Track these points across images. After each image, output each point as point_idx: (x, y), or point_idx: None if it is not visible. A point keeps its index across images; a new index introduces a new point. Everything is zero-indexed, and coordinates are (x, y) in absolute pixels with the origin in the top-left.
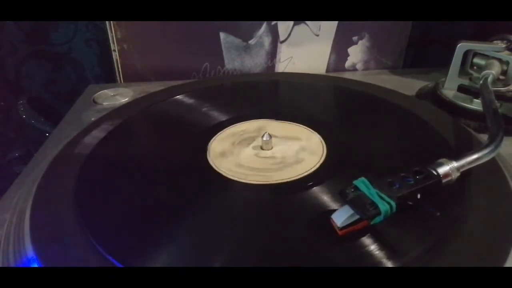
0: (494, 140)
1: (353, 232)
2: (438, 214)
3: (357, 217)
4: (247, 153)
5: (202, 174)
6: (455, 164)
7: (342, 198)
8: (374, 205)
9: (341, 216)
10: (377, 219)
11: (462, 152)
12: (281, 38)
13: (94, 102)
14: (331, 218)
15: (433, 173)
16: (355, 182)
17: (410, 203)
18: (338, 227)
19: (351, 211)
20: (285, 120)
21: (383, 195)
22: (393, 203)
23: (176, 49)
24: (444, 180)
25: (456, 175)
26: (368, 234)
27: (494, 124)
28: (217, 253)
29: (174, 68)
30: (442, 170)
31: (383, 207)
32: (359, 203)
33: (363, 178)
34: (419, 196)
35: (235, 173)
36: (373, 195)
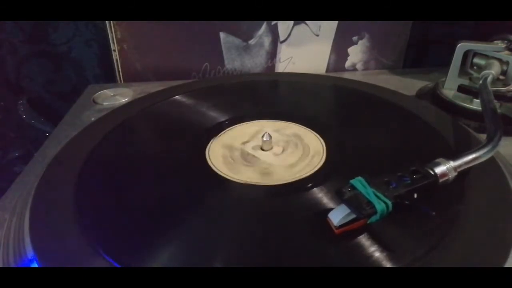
0: (492, 140)
1: (350, 231)
2: (434, 213)
3: (353, 216)
4: (247, 153)
5: (202, 175)
6: (452, 163)
7: (338, 197)
8: (370, 204)
9: (338, 215)
10: (374, 218)
11: (461, 152)
12: (281, 38)
13: (94, 102)
14: (328, 217)
15: (430, 173)
16: (352, 181)
17: (407, 202)
18: (335, 226)
19: (347, 210)
20: (285, 120)
21: (379, 195)
22: (389, 203)
23: (176, 49)
24: (441, 180)
25: (453, 174)
26: (365, 234)
27: (492, 123)
28: (216, 253)
29: (174, 68)
30: (439, 169)
31: (379, 206)
32: (355, 202)
33: (360, 177)
34: (415, 195)
35: (234, 174)
36: (370, 194)
